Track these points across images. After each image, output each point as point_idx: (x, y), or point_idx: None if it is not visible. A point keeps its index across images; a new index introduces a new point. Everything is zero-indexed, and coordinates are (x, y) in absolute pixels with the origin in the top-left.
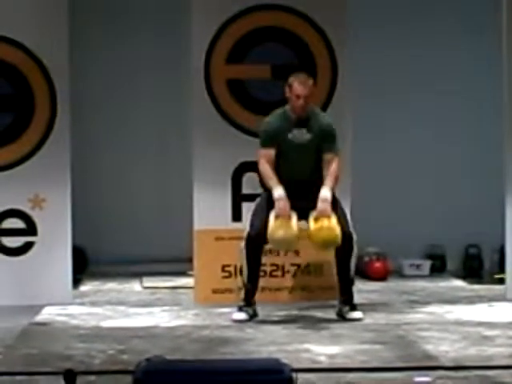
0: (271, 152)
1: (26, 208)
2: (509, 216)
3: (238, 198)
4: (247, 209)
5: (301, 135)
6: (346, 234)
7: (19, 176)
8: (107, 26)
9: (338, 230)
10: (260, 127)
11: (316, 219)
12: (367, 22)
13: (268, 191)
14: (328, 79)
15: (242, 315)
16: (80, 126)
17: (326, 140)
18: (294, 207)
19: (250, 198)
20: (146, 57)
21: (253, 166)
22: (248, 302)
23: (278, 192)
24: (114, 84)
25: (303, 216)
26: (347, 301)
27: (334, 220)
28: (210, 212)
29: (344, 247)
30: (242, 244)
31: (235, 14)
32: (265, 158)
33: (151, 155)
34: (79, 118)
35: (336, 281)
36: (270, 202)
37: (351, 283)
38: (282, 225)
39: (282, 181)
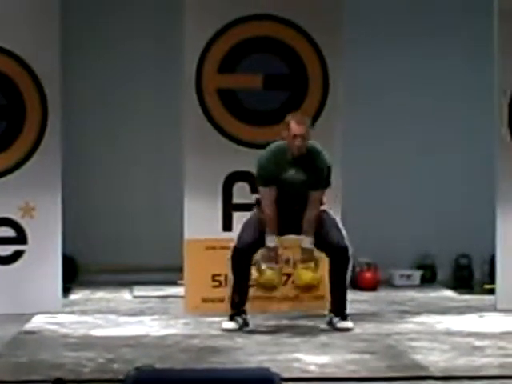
0: (273, 191)
1: (16, 216)
2: (499, 226)
3: (228, 208)
4: (238, 218)
5: (297, 175)
6: (341, 248)
7: (10, 184)
8: (100, 31)
9: (314, 281)
10: (257, 163)
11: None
12: (362, 31)
13: (258, 208)
14: (319, 89)
15: (232, 324)
16: (71, 135)
17: (315, 179)
18: (285, 225)
19: (241, 207)
20: (139, 64)
21: (243, 176)
22: (238, 311)
23: (269, 242)
24: (105, 92)
25: (292, 230)
26: (339, 311)
27: (312, 269)
28: (201, 221)
29: (340, 260)
30: (229, 256)
31: (227, 23)
32: (268, 199)
33: (142, 164)
34: (70, 126)
35: (329, 291)
36: (261, 223)
37: (345, 294)
38: (267, 273)
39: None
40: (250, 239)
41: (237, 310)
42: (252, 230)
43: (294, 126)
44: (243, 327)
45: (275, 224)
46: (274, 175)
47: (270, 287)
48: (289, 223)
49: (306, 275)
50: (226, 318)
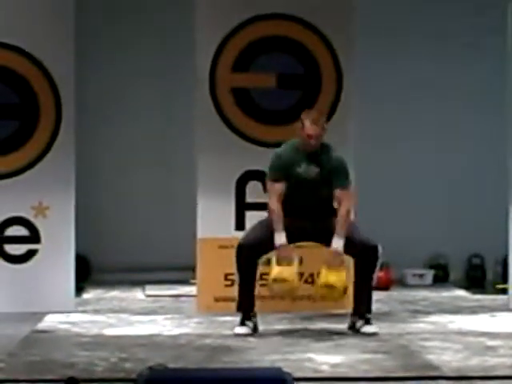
0: (280, 186)
1: (29, 215)
2: None
3: (241, 207)
4: (251, 217)
5: (310, 170)
6: (372, 246)
7: (23, 183)
8: (113, 31)
9: (340, 286)
10: (270, 159)
11: (327, 267)
12: (373, 32)
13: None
14: (333, 88)
15: (244, 329)
16: (84, 134)
17: (335, 176)
18: (298, 227)
19: (254, 206)
20: (150, 64)
21: (257, 175)
22: (248, 316)
23: (281, 239)
24: (118, 92)
25: (306, 236)
26: (363, 314)
27: (342, 274)
28: (214, 220)
29: (369, 259)
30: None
31: (241, 22)
32: (275, 194)
33: (155, 163)
34: (84, 126)
35: (353, 293)
36: (272, 228)
37: (371, 296)
38: (283, 271)
39: (290, 209)
40: (255, 238)
41: (244, 312)
42: (260, 230)
43: (309, 125)
44: (254, 331)
45: (280, 220)
46: (285, 170)
47: (287, 290)
48: (302, 223)
49: (331, 276)
50: (239, 319)
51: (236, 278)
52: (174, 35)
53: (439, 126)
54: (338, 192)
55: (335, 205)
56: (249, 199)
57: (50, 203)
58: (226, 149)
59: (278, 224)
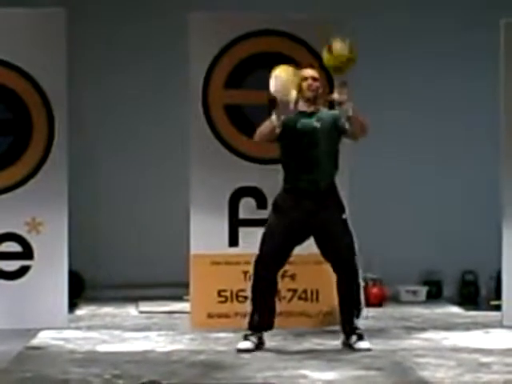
0: (276, 126)
1: (22, 231)
2: (505, 242)
3: (234, 223)
4: (244, 234)
5: (309, 123)
6: (352, 271)
7: (16, 199)
8: (108, 46)
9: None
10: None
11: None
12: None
13: (275, 212)
14: (326, 105)
15: (247, 344)
16: (78, 150)
17: (339, 120)
18: (302, 209)
19: (247, 223)
20: (145, 82)
21: (250, 191)
22: (254, 330)
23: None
24: (112, 108)
25: (313, 235)
26: (352, 330)
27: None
28: (207, 237)
29: (347, 279)
30: (250, 271)
31: (233, 39)
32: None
33: (149, 180)
34: (77, 142)
35: (338, 311)
36: (281, 226)
37: (352, 313)
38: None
39: (297, 180)
40: (274, 246)
41: (255, 331)
42: (274, 238)
43: (308, 69)
44: (259, 347)
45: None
46: (285, 127)
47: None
48: (305, 176)
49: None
50: (231, 333)
51: (249, 292)
52: (169, 50)
53: (433, 141)
54: (347, 128)
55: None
56: (242, 215)
57: (44, 219)
58: (220, 165)
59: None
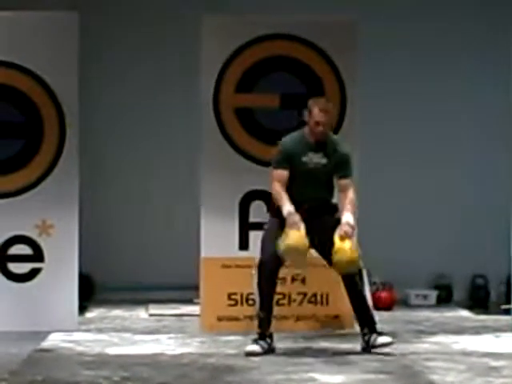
0: (284, 173)
1: (33, 234)
2: None
3: (245, 227)
4: (254, 237)
5: (316, 159)
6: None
7: (27, 202)
8: (119, 50)
9: (357, 253)
10: (277, 147)
11: (340, 239)
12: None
13: (276, 217)
14: (337, 108)
15: (255, 347)
16: (89, 153)
17: (342, 166)
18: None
19: (258, 226)
20: (157, 82)
21: (261, 195)
22: (263, 335)
23: (288, 208)
24: (123, 111)
25: (311, 239)
26: (371, 327)
27: (354, 244)
28: (217, 240)
29: (353, 279)
30: (254, 271)
31: (245, 43)
32: (278, 180)
33: (159, 183)
34: (88, 145)
35: (353, 311)
36: (280, 227)
37: (369, 309)
38: (293, 234)
39: (294, 202)
40: (274, 248)
41: (264, 331)
42: (273, 241)
43: (317, 112)
44: (268, 352)
45: (285, 197)
46: (290, 158)
47: (295, 248)
48: (309, 215)
49: (347, 251)
50: (241, 336)
51: (256, 294)
52: (181, 55)
53: (443, 144)
54: (342, 182)
55: (336, 199)
56: (252, 219)
57: (54, 222)
58: (230, 169)
59: (283, 199)
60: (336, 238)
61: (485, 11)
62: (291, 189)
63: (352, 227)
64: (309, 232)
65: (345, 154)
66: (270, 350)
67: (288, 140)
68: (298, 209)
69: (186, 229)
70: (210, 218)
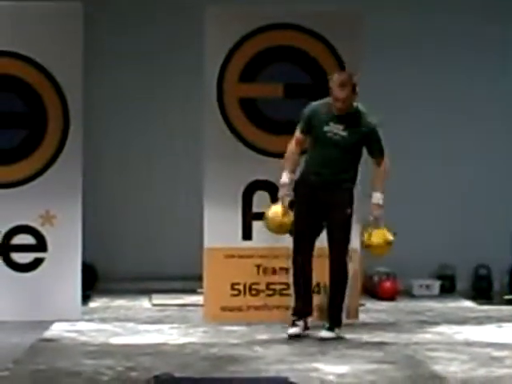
0: (302, 137)
1: (36, 224)
2: None
3: (248, 217)
4: (257, 227)
5: (337, 130)
6: (342, 271)
7: (31, 192)
8: (122, 42)
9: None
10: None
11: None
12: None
13: (298, 196)
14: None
15: (295, 330)
16: (92, 143)
17: (369, 142)
18: (316, 199)
19: (261, 216)
20: (160, 73)
21: (264, 185)
22: (300, 315)
23: (284, 179)
24: (126, 102)
25: (321, 212)
26: (331, 324)
27: (385, 231)
28: (221, 230)
29: (339, 276)
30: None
31: (248, 33)
32: (296, 141)
33: (162, 173)
34: (91, 136)
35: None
36: (303, 209)
37: (340, 308)
38: (274, 208)
39: (311, 171)
40: (304, 225)
41: (299, 312)
42: (304, 220)
43: (336, 88)
44: (304, 330)
45: (292, 162)
46: (313, 124)
47: (271, 222)
48: (323, 187)
49: (385, 234)
50: (244, 326)
51: (291, 280)
52: (183, 45)
53: (447, 139)
54: (373, 157)
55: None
56: (256, 209)
57: (57, 212)
58: (234, 158)
59: (288, 163)
60: (370, 223)
61: (495, 6)
62: (312, 156)
63: (381, 207)
64: (318, 204)
65: (370, 130)
66: (306, 328)
67: (313, 106)
68: (314, 177)
69: (189, 219)
70: (213, 208)
